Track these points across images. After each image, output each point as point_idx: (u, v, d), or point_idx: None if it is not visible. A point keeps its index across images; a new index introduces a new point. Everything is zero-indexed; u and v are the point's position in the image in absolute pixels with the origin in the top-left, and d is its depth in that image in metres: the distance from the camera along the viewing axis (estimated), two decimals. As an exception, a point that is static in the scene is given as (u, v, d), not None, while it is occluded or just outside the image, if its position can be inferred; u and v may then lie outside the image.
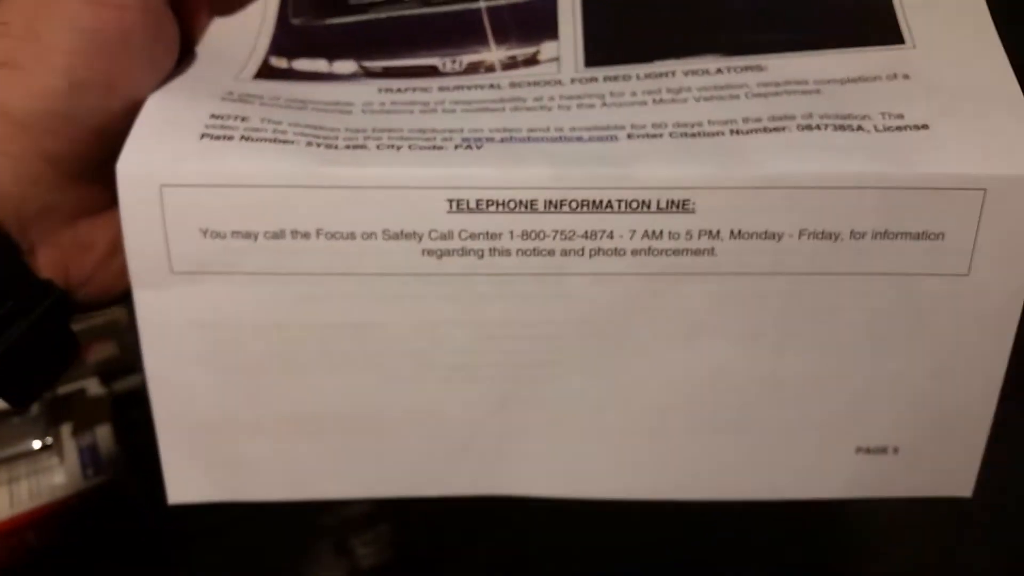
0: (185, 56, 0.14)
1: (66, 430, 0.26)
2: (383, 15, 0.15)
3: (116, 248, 0.13)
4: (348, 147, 0.12)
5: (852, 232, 0.12)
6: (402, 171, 0.12)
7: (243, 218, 0.12)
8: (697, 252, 0.12)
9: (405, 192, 0.12)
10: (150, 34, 0.13)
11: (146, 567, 0.25)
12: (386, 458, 0.14)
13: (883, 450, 0.14)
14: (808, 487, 0.14)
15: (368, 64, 0.15)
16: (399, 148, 0.12)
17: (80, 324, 0.29)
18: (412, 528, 0.27)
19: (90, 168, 0.13)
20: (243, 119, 0.13)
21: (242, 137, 0.12)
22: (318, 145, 0.12)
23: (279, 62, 0.15)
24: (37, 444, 0.26)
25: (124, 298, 0.13)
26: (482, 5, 0.15)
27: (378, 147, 0.12)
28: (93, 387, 0.28)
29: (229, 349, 0.13)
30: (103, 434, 0.26)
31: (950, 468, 0.14)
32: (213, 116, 0.13)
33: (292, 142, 0.12)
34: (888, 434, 0.14)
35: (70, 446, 0.26)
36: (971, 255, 0.12)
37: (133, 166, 0.12)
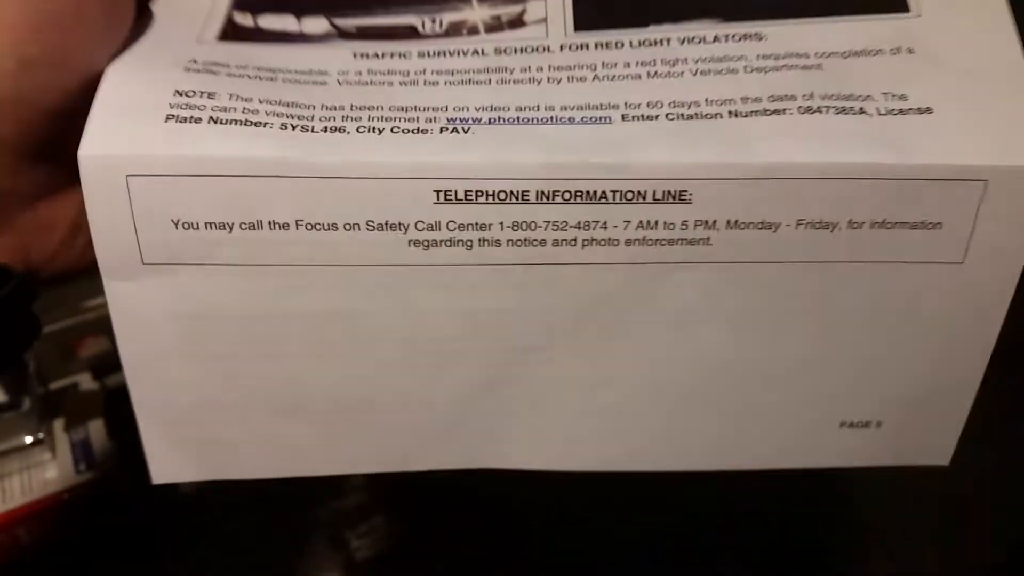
0: (141, 14, 0.13)
1: (58, 425, 0.26)
2: (355, -34, 0.14)
3: (79, 226, 0.12)
4: (326, 130, 0.12)
5: (850, 222, 0.12)
6: (386, 160, 0.11)
7: (216, 209, 0.12)
8: (692, 242, 0.12)
9: (390, 183, 0.12)
10: (105, 0, 0.12)
11: (139, 562, 0.25)
12: (373, 436, 0.14)
13: (867, 424, 0.14)
14: (792, 458, 0.14)
15: (341, 22, 0.14)
16: (381, 132, 0.12)
17: (72, 319, 0.29)
18: (407, 520, 0.26)
19: (44, 149, 0.12)
20: (210, 95, 0.12)
21: (211, 119, 0.12)
22: (293, 128, 0.12)
23: (244, 18, 0.14)
24: (29, 439, 0.25)
25: (92, 268, 0.12)
26: None
27: (358, 130, 0.12)
28: (85, 382, 0.27)
29: (207, 338, 0.13)
30: (95, 429, 0.26)
31: (931, 440, 0.14)
32: (177, 92, 0.12)
33: (265, 124, 0.12)
34: (872, 410, 0.14)
35: (62, 441, 0.26)
36: (967, 244, 0.12)
37: (95, 155, 0.11)
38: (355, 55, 0.13)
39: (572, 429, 0.14)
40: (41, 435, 0.25)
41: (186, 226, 0.12)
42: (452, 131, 0.12)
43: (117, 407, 0.27)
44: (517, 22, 0.14)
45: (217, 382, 0.13)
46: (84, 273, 0.13)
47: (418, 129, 0.12)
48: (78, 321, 0.28)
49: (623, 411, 0.14)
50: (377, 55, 0.13)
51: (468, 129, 0.12)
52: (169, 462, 0.14)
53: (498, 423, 0.14)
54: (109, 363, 0.27)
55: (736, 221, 0.12)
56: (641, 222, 0.12)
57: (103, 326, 0.28)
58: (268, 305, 0.13)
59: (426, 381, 0.13)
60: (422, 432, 0.14)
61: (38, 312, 0.13)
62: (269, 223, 0.12)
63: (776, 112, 0.12)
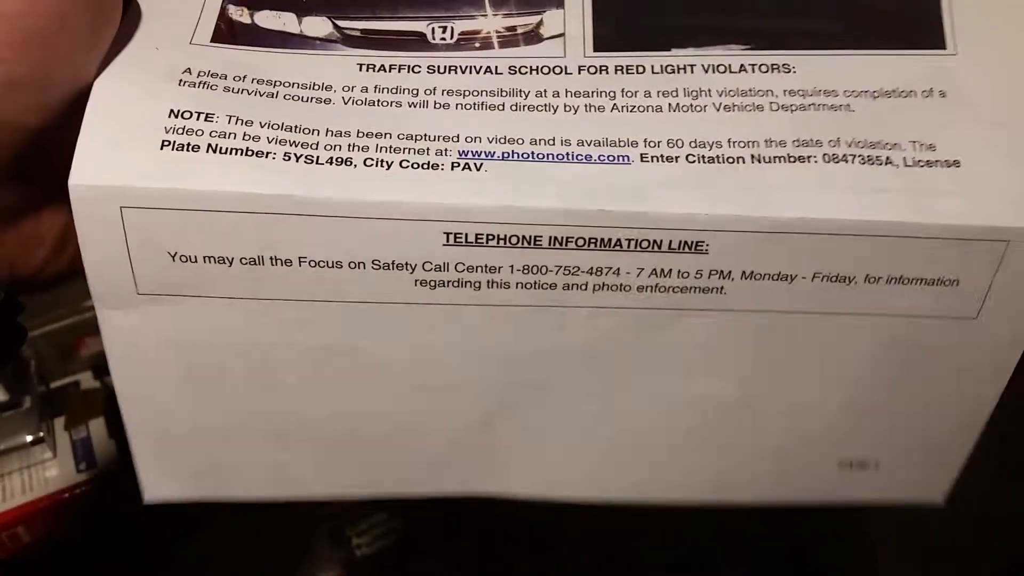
0: (128, 7, 0.12)
1: (59, 424, 0.26)
2: (361, -38, 0.13)
3: (66, 239, 0.12)
4: (331, 161, 0.11)
5: (867, 277, 0.12)
6: (395, 201, 0.11)
7: (216, 243, 0.11)
8: (706, 290, 0.12)
9: (398, 224, 0.11)
10: (90, 7, 0.11)
11: (140, 561, 0.25)
12: (369, 463, 0.14)
13: (865, 465, 0.14)
14: (790, 494, 0.15)
15: (344, 24, 0.13)
16: (389, 165, 0.11)
17: (73, 318, 0.29)
18: (408, 517, 0.27)
19: (28, 167, 0.11)
20: (208, 117, 0.11)
21: (209, 147, 0.11)
22: (297, 158, 0.11)
23: (240, 14, 0.13)
24: (29, 438, 0.25)
25: (81, 274, 0.12)
26: None
27: (366, 163, 0.11)
28: (87, 381, 0.27)
29: (204, 366, 0.13)
30: (96, 428, 0.26)
31: (927, 480, 0.14)
32: (173, 113, 0.11)
33: (268, 154, 0.11)
34: (871, 451, 0.14)
35: (63, 440, 0.26)
36: (983, 301, 0.12)
37: (87, 183, 0.11)
38: (360, 67, 0.13)
39: (570, 460, 0.14)
40: (42, 434, 0.25)
41: (183, 259, 0.11)
42: (464, 167, 0.11)
43: (118, 406, 0.27)
44: (533, 36, 0.13)
45: (213, 409, 0.13)
46: (74, 278, 0.13)
47: (428, 164, 0.11)
48: (79, 320, 0.27)
49: (623, 444, 0.14)
50: (384, 68, 0.13)
51: (480, 165, 0.11)
52: (161, 481, 0.14)
53: (495, 453, 0.14)
54: (110, 362, 0.27)
55: (752, 272, 0.12)
56: (655, 270, 0.12)
57: (104, 325, 0.28)
58: (268, 337, 0.12)
59: (425, 413, 0.13)
60: (419, 460, 0.14)
61: (39, 310, 0.12)
62: (271, 259, 0.11)
63: (800, 159, 0.12)
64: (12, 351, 0.13)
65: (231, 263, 0.11)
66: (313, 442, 0.14)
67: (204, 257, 0.11)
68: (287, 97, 0.12)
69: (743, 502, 0.14)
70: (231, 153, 0.11)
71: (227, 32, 0.13)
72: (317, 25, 0.13)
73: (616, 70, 0.13)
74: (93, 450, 0.25)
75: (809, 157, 0.12)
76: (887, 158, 0.12)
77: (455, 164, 0.11)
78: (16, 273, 0.12)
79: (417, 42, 0.13)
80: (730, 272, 0.12)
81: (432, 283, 0.12)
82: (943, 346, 0.13)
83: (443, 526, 0.26)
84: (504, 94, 0.12)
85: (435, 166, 0.11)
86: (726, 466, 0.14)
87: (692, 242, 0.11)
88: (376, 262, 0.11)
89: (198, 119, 0.11)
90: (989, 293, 0.12)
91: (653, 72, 0.12)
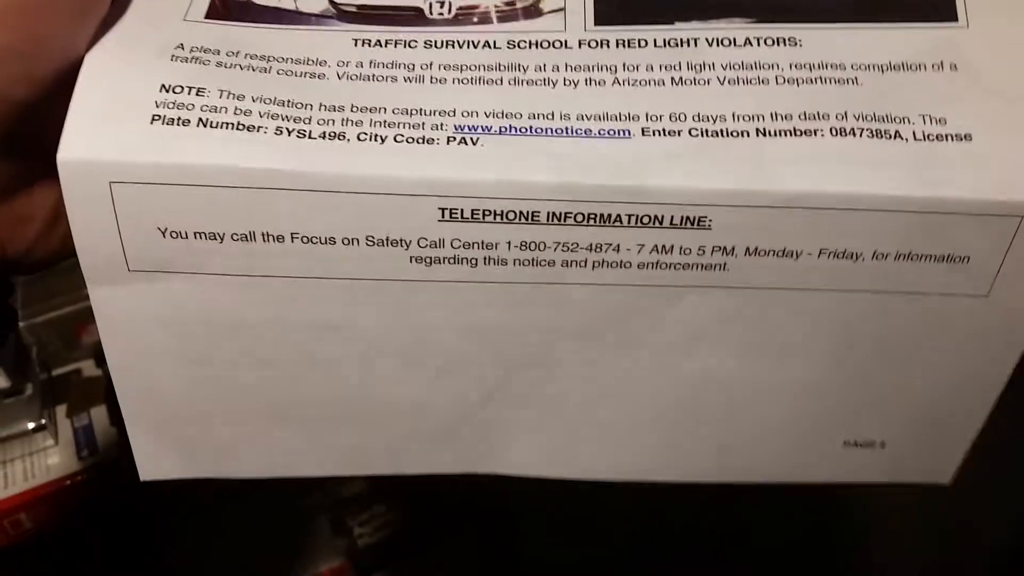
0: None
1: (61, 411, 0.26)
2: (358, -63, 0.13)
3: (57, 218, 0.12)
4: (324, 135, 0.11)
5: (875, 253, 0.11)
6: (388, 175, 0.11)
7: (206, 219, 0.11)
8: (708, 267, 0.12)
9: (392, 199, 0.11)
10: None
11: (142, 547, 0.25)
12: (365, 441, 0.14)
13: (871, 444, 0.14)
14: (793, 474, 0.14)
15: (340, 0, 0.13)
16: (383, 140, 0.11)
17: (74, 305, 0.29)
18: (409, 507, 0.27)
19: (18, 142, 0.11)
20: (199, 92, 0.11)
21: (200, 121, 0.11)
22: (289, 132, 0.11)
23: None
24: (31, 425, 0.25)
25: (74, 255, 0.12)
26: None
27: (359, 137, 0.11)
28: (88, 368, 0.27)
29: (197, 344, 0.12)
30: (98, 415, 0.26)
31: (933, 461, 0.14)
32: (164, 87, 0.11)
33: (259, 128, 0.11)
34: (877, 431, 0.14)
35: (65, 427, 0.26)
36: (994, 278, 0.12)
37: (76, 157, 0.10)
38: (356, 42, 0.12)
39: (571, 440, 0.14)
40: (44, 421, 0.25)
41: (174, 235, 0.11)
42: (460, 141, 0.11)
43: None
44: (533, 11, 0.13)
45: (207, 386, 0.13)
46: (64, 263, 0.13)
47: (424, 138, 0.11)
48: (80, 307, 0.27)
49: (624, 424, 0.14)
50: (380, 43, 0.12)
51: (477, 140, 0.11)
52: (157, 460, 0.14)
53: (494, 432, 0.14)
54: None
55: (756, 248, 0.11)
56: (656, 246, 0.11)
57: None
58: (261, 315, 0.12)
59: (422, 391, 0.13)
60: (416, 438, 0.14)
61: (41, 297, 0.12)
62: (263, 234, 0.11)
63: (807, 133, 0.11)
64: (2, 333, 0.13)
65: (222, 239, 0.11)
66: (308, 419, 0.13)
67: (195, 233, 0.11)
68: (280, 72, 0.12)
69: (746, 481, 0.14)
70: (222, 127, 0.11)
71: (221, 8, 0.12)
72: (312, 1, 0.13)
73: (617, 44, 0.12)
74: (95, 437, 0.25)
75: (816, 131, 0.11)
76: (896, 132, 0.11)
77: (451, 138, 0.11)
78: (6, 252, 0.12)
79: (414, 17, 0.13)
80: (733, 248, 0.11)
81: (428, 260, 0.11)
82: (953, 324, 0.12)
83: (444, 516, 0.26)
84: (502, 69, 0.12)
85: (430, 140, 0.11)
86: (728, 445, 0.14)
87: (694, 217, 0.11)
88: (370, 238, 0.11)
89: (189, 94, 0.11)
90: (1001, 270, 0.12)
91: (656, 46, 0.12)
